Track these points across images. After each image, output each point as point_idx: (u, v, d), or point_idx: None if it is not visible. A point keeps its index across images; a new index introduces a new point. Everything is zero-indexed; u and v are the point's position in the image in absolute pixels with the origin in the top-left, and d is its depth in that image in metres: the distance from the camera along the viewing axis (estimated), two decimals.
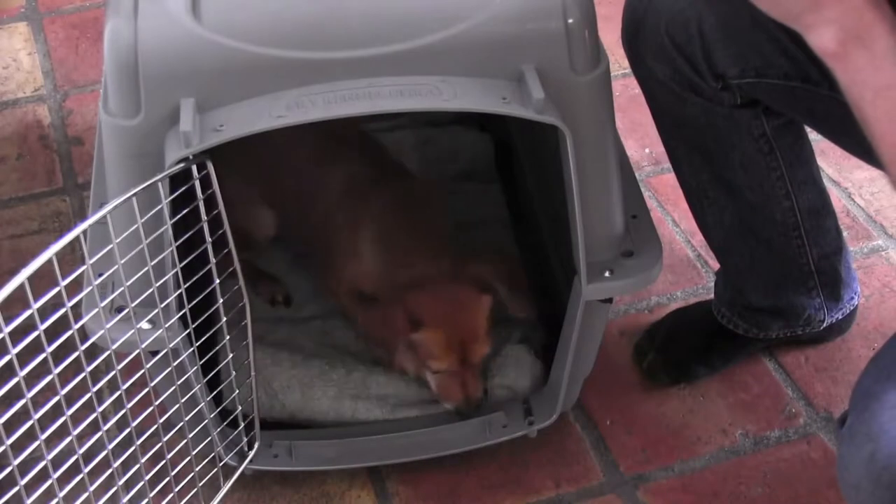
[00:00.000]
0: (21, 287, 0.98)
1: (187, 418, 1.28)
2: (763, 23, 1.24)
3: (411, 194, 1.57)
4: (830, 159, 1.90)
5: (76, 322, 1.07)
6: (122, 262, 1.10)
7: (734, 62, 1.27)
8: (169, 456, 1.28)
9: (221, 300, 1.24)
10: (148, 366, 1.20)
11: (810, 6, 0.97)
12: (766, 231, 1.45)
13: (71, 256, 1.61)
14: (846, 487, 1.04)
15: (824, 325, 1.57)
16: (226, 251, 1.21)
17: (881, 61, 0.97)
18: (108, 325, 1.15)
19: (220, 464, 1.38)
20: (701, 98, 1.32)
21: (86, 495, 1.19)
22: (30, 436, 1.06)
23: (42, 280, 0.99)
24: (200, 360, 1.27)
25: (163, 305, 1.17)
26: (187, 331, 1.23)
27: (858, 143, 1.29)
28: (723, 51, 1.27)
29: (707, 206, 1.47)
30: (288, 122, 1.11)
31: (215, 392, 1.33)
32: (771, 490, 1.47)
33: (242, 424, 1.39)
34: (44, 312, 1.00)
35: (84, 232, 1.05)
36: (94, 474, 1.18)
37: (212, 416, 1.33)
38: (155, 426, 1.24)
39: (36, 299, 0.99)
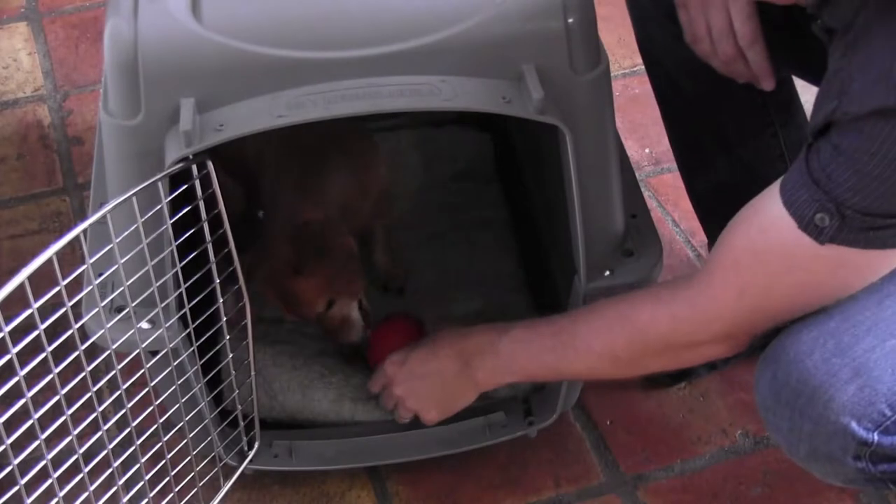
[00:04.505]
0: (21, 287, 0.98)
1: (187, 418, 1.28)
2: None
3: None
4: None
5: (76, 322, 1.07)
6: (122, 261, 1.10)
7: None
8: (169, 456, 1.28)
9: (221, 300, 1.24)
10: (148, 366, 1.20)
11: None
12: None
13: (71, 256, 1.61)
14: (760, 409, 1.14)
15: None
16: (226, 251, 1.21)
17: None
18: (108, 325, 1.15)
19: (220, 464, 1.38)
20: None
21: (86, 495, 1.19)
22: (30, 436, 1.06)
23: (42, 280, 0.99)
24: (200, 360, 1.27)
25: (163, 305, 1.18)
26: (187, 331, 1.23)
27: None
28: None
29: (700, 167, 1.47)
30: (288, 121, 1.11)
31: (215, 392, 1.33)
32: (771, 490, 1.47)
33: (242, 424, 1.39)
34: (44, 312, 1.00)
35: (84, 232, 1.05)
36: (94, 474, 1.18)
37: (212, 416, 1.33)
38: (155, 426, 1.24)
39: (36, 299, 0.99)
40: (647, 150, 1.96)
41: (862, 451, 1.07)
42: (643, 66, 1.49)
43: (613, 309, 1.23)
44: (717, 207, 1.50)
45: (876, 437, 1.06)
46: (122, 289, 1.13)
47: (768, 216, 1.06)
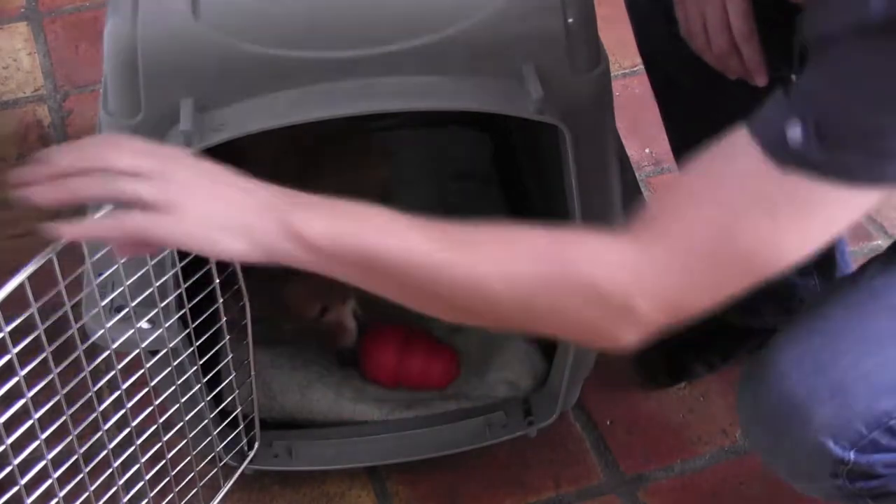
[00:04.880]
0: (21, 287, 0.98)
1: (187, 418, 1.28)
2: None
3: None
4: None
5: (76, 322, 1.07)
6: (122, 261, 1.10)
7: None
8: (169, 456, 1.28)
9: (221, 300, 1.24)
10: (148, 366, 1.20)
11: None
12: None
13: (71, 256, 1.61)
14: (743, 428, 1.17)
15: None
16: None
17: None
18: (108, 325, 1.15)
19: (220, 464, 1.38)
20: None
21: (86, 495, 1.19)
22: (30, 436, 1.06)
23: (42, 280, 0.99)
24: (200, 360, 1.27)
25: (163, 305, 1.17)
26: (187, 331, 1.23)
27: None
28: None
29: None
30: (288, 121, 1.11)
31: (215, 392, 1.33)
32: (771, 490, 1.47)
33: (242, 424, 1.39)
34: (44, 312, 1.00)
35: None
36: (94, 474, 1.18)
37: (212, 416, 1.33)
38: (155, 426, 1.24)
39: (36, 299, 0.99)
40: (647, 150, 1.96)
41: (839, 469, 1.08)
42: (630, 22, 1.49)
43: (537, 233, 0.94)
44: None
45: (852, 456, 1.06)
46: (122, 289, 1.13)
47: (730, 145, 0.93)
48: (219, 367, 1.32)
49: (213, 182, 0.91)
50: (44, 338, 1.02)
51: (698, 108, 1.43)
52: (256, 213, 0.89)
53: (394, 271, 0.92)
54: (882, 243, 1.81)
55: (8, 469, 1.06)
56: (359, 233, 0.91)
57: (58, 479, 1.13)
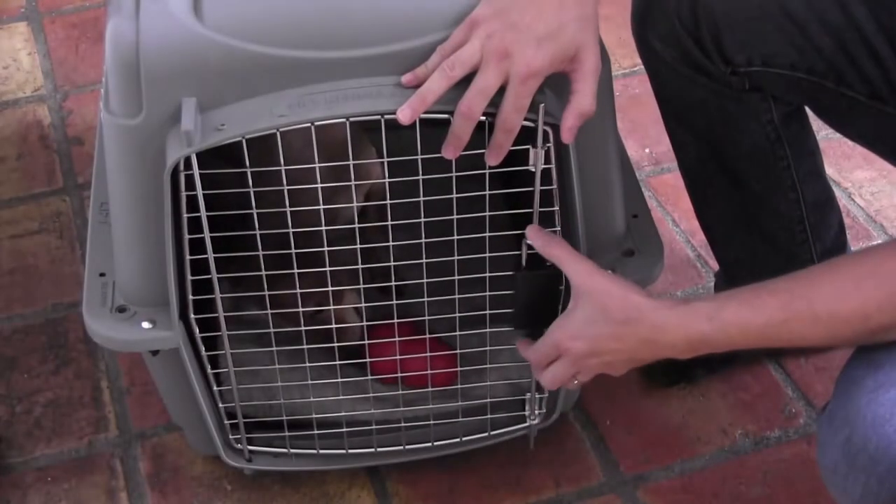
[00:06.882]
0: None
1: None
2: (770, 12, 1.24)
3: None
4: (830, 159, 1.90)
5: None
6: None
7: (741, 49, 1.27)
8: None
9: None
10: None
11: None
12: (770, 224, 1.45)
13: (71, 256, 1.61)
14: (824, 470, 1.09)
15: None
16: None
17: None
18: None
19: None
20: (710, 79, 1.31)
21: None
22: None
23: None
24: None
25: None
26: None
27: (861, 135, 1.30)
28: (730, 37, 1.27)
29: (710, 198, 1.46)
30: (289, 121, 1.11)
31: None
32: (771, 490, 1.47)
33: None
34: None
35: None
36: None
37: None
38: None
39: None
40: (647, 150, 1.96)
41: None
42: (644, 66, 1.49)
43: (857, 264, 1.06)
44: (728, 238, 1.50)
45: None
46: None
47: None
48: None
49: (612, 358, 1.17)
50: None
51: (712, 147, 1.41)
52: (647, 358, 1.17)
53: (750, 346, 1.10)
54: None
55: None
56: (722, 346, 1.11)
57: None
